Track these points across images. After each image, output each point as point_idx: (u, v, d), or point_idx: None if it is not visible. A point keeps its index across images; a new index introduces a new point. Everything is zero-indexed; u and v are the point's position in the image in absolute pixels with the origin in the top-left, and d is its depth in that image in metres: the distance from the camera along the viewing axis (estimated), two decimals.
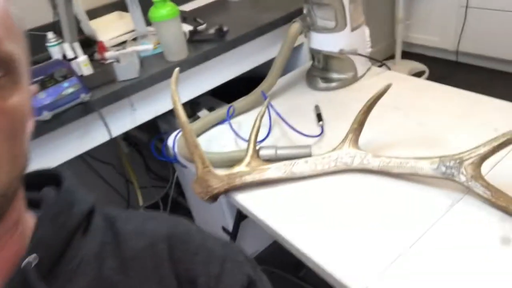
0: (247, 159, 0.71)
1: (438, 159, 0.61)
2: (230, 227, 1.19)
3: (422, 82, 0.94)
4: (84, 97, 0.85)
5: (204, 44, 1.01)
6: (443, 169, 0.60)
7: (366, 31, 0.96)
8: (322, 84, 0.98)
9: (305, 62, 1.23)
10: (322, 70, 0.99)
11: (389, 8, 2.37)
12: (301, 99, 0.96)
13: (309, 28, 0.94)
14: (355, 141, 0.70)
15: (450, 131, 0.76)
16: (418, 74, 2.22)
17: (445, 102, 0.85)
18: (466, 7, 2.10)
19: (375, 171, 0.67)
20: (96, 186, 1.41)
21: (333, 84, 0.97)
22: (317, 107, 0.90)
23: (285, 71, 0.97)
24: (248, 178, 0.70)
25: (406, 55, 2.36)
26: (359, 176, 0.69)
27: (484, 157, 0.57)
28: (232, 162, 0.73)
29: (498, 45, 2.08)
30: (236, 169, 0.71)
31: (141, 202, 1.42)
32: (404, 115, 0.83)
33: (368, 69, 1.00)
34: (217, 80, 1.05)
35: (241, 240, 1.19)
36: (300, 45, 1.22)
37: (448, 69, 2.28)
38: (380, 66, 1.03)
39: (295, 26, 0.92)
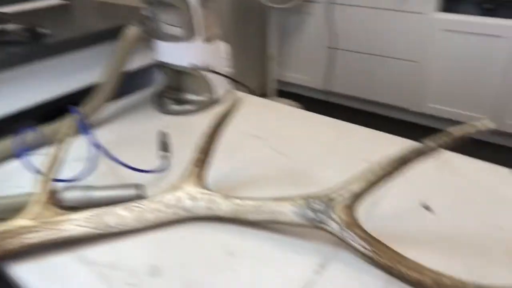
0: (34, 207, 0.46)
1: (303, 200, 0.45)
2: None
3: (288, 109, 0.82)
4: None
5: (12, 46, 0.74)
6: (310, 214, 0.44)
7: (222, 46, 0.82)
8: (174, 107, 0.79)
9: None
10: (175, 90, 0.81)
11: (261, 46, 2.37)
12: (146, 125, 0.75)
13: (151, 34, 0.75)
14: (200, 178, 0.51)
15: (319, 163, 0.62)
16: None
17: (313, 130, 0.73)
18: (332, 48, 2.20)
19: (226, 219, 0.49)
20: None
21: (188, 107, 0.78)
22: (162, 134, 0.69)
23: (128, 93, 0.76)
24: (34, 238, 0.45)
25: (282, 94, 2.36)
26: (205, 227, 0.49)
27: (358, 196, 0.43)
28: (18, 211, 0.47)
29: (363, 86, 2.20)
30: (14, 223, 0.45)
31: None
32: (266, 145, 0.68)
33: (228, 92, 0.85)
34: (33, 97, 0.77)
35: None
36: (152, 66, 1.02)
37: (319, 109, 2.33)
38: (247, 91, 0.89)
39: (132, 30, 0.72)
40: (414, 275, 0.39)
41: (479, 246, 0.46)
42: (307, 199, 0.45)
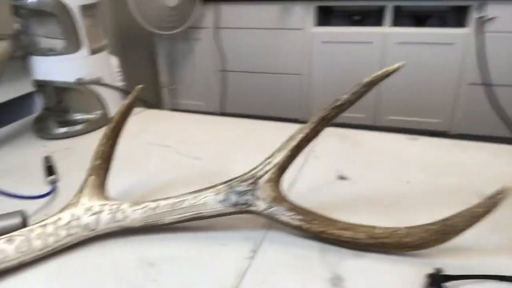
0: None
1: (226, 185, 0.41)
2: None
3: (190, 116, 0.78)
4: None
5: None
6: (234, 198, 0.40)
7: (113, 60, 0.75)
8: (59, 130, 0.68)
9: None
10: (59, 111, 0.71)
11: (152, 75, 2.30)
12: (28, 154, 0.64)
13: (26, 50, 0.65)
14: (100, 187, 0.43)
15: (232, 160, 0.59)
16: None
17: (219, 132, 0.69)
18: (224, 71, 2.23)
19: (137, 228, 0.42)
20: None
21: (77, 128, 0.69)
22: (47, 159, 0.59)
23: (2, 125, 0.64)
24: None
25: None
26: (115, 244, 0.42)
27: (283, 167, 0.40)
28: None
29: (255, 103, 2.26)
30: None
31: None
32: (174, 151, 0.62)
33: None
34: None
35: None
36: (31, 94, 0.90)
37: None
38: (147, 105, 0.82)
39: (1, 45, 0.62)
40: (347, 234, 0.37)
41: (393, 199, 0.48)
42: (230, 184, 0.41)
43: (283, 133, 0.66)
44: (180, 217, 0.41)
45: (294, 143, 0.40)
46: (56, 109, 0.70)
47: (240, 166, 0.56)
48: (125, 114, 0.45)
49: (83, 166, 0.58)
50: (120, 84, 0.75)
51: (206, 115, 0.76)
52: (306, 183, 0.51)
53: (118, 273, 0.38)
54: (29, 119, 0.76)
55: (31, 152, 0.64)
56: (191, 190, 0.47)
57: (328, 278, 0.36)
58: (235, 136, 0.67)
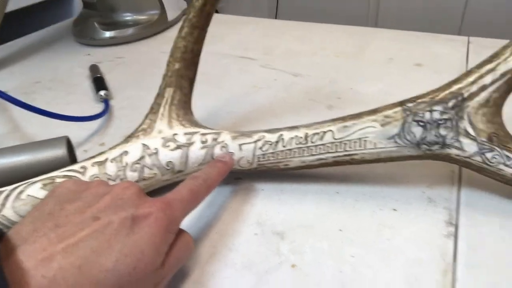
0: None
1: (399, 109, 0.24)
2: None
3: (274, 22, 0.59)
4: None
5: None
6: (418, 132, 0.23)
7: None
8: (105, 34, 0.52)
9: None
10: (105, 10, 0.54)
11: None
12: (67, 63, 0.48)
13: None
14: (184, 107, 0.27)
15: (349, 76, 0.41)
16: None
17: (318, 41, 0.51)
18: None
19: (246, 172, 0.26)
20: None
21: (128, 31, 0.52)
22: (93, 68, 0.44)
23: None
24: None
25: None
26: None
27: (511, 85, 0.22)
28: None
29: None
30: None
31: None
32: (264, 66, 0.45)
33: (185, 11, 0.60)
34: None
35: None
36: None
37: None
38: None
39: None
40: None
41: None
42: (409, 107, 0.24)
43: (405, 42, 0.47)
44: (317, 160, 0.25)
45: None
46: (100, 8, 0.53)
47: (366, 85, 0.39)
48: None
49: (140, 81, 0.42)
50: None
51: (292, 21, 0.57)
52: None
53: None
54: (70, 21, 0.60)
55: (72, 61, 0.49)
56: (296, 114, 0.31)
57: None
58: (343, 45, 0.49)
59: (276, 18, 1.57)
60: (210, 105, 0.37)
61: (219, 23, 0.58)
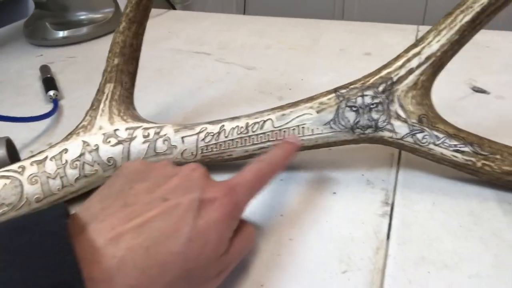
0: None
1: (332, 96, 0.25)
2: None
3: (229, 17, 0.59)
4: None
5: None
6: (351, 116, 0.24)
7: None
8: (57, 34, 0.51)
9: None
10: (55, 10, 0.53)
11: None
12: (17, 64, 0.47)
13: None
14: (125, 102, 0.27)
15: (299, 66, 0.42)
16: None
17: (273, 35, 0.51)
18: None
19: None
20: None
21: (82, 31, 0.52)
22: (44, 68, 0.43)
23: None
24: None
25: None
26: None
27: (440, 64, 0.23)
28: None
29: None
30: None
31: None
32: (218, 60, 0.45)
33: None
34: None
35: None
36: None
37: None
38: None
39: None
40: None
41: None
42: (342, 93, 0.24)
43: (358, 33, 0.48)
44: (258, 149, 0.25)
45: (466, 18, 0.22)
46: (52, 5, 0.52)
47: (317, 76, 0.40)
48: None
49: (93, 80, 0.42)
50: None
51: (249, 16, 0.58)
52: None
53: None
54: (22, 22, 0.58)
55: (23, 62, 0.47)
56: (249, 106, 0.31)
57: None
58: (299, 38, 0.49)
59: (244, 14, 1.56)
60: (162, 101, 0.37)
61: (176, 19, 0.58)
